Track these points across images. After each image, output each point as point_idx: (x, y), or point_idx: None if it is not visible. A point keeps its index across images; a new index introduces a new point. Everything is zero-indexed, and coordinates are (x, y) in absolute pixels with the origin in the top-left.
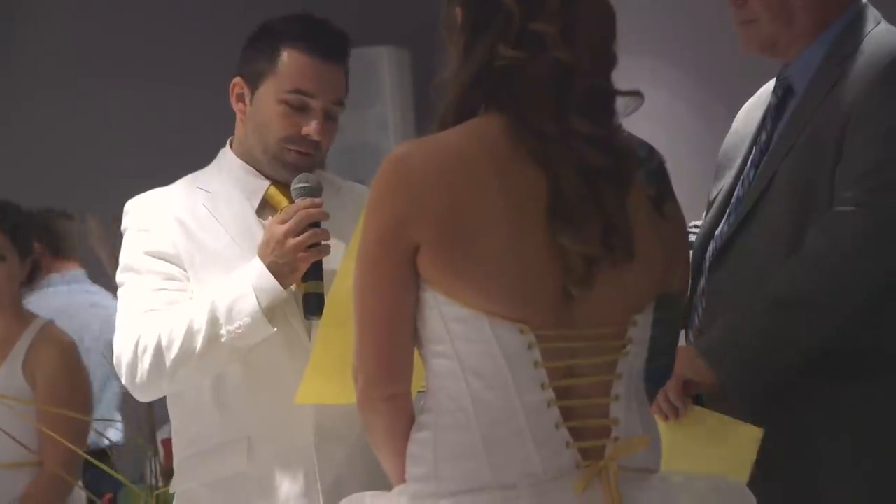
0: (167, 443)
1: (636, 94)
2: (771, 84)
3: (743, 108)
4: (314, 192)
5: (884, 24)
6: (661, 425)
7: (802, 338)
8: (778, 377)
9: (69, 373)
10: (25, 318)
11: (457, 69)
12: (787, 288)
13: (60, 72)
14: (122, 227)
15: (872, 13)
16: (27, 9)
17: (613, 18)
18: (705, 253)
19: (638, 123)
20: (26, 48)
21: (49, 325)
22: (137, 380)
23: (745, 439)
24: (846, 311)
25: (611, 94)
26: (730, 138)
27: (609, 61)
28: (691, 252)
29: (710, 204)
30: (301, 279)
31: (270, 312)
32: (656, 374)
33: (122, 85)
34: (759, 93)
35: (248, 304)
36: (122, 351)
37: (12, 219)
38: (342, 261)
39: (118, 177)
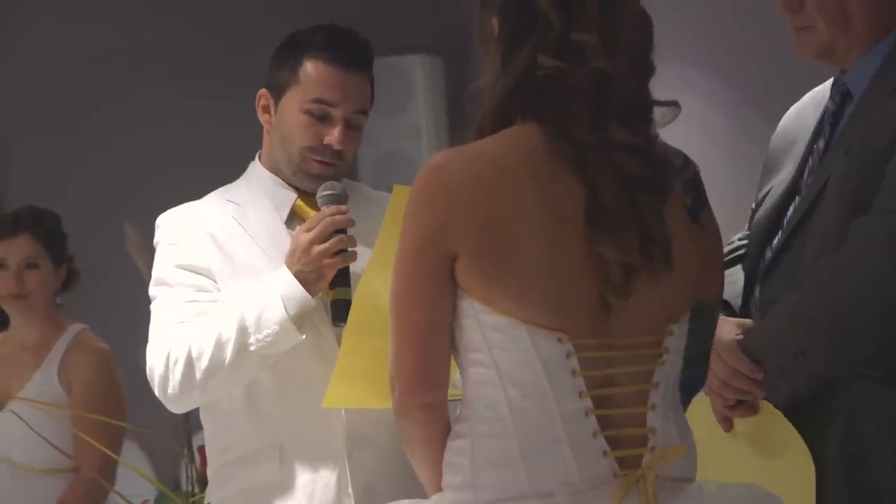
0: (203, 449)
1: (673, 105)
2: (820, 88)
3: (791, 109)
4: (339, 199)
5: None
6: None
7: (835, 345)
8: (818, 380)
9: (104, 379)
10: (60, 324)
11: (495, 78)
12: (819, 295)
13: (98, 79)
14: (155, 241)
15: None
16: (65, 15)
17: (651, 27)
18: (759, 261)
19: (670, 131)
20: (66, 53)
21: (84, 332)
22: (170, 391)
23: (803, 466)
24: (877, 318)
25: (649, 103)
26: (776, 141)
27: (647, 70)
28: (746, 261)
29: (757, 208)
30: (329, 286)
31: (299, 320)
32: (689, 382)
33: (160, 94)
34: (808, 96)
35: (276, 313)
36: (153, 363)
37: (47, 226)
38: (366, 267)
39: (156, 185)
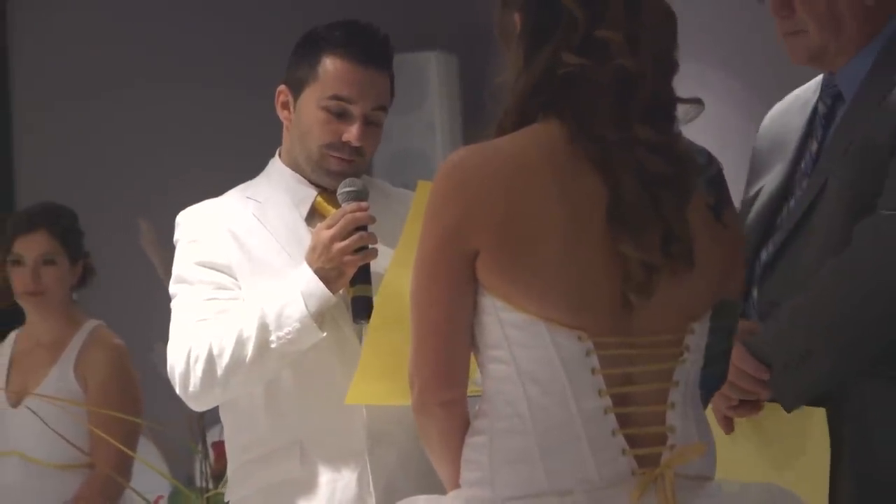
0: (217, 445)
1: (697, 102)
2: (803, 90)
3: (774, 111)
4: (360, 196)
5: None
6: (737, 426)
7: (842, 344)
8: (824, 381)
9: (120, 375)
10: (76, 320)
11: (517, 75)
12: (827, 294)
13: (112, 74)
14: (175, 238)
15: None
16: (78, 12)
17: (675, 24)
18: (755, 262)
19: (686, 129)
20: (79, 49)
21: (99, 328)
22: (191, 389)
23: (812, 423)
24: (885, 317)
25: (672, 101)
26: (762, 142)
27: (671, 68)
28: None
29: (745, 209)
30: (349, 283)
31: (320, 317)
32: (710, 380)
33: (175, 90)
34: (791, 97)
35: (296, 310)
36: (174, 361)
37: (63, 222)
38: (390, 264)
39: (171, 181)
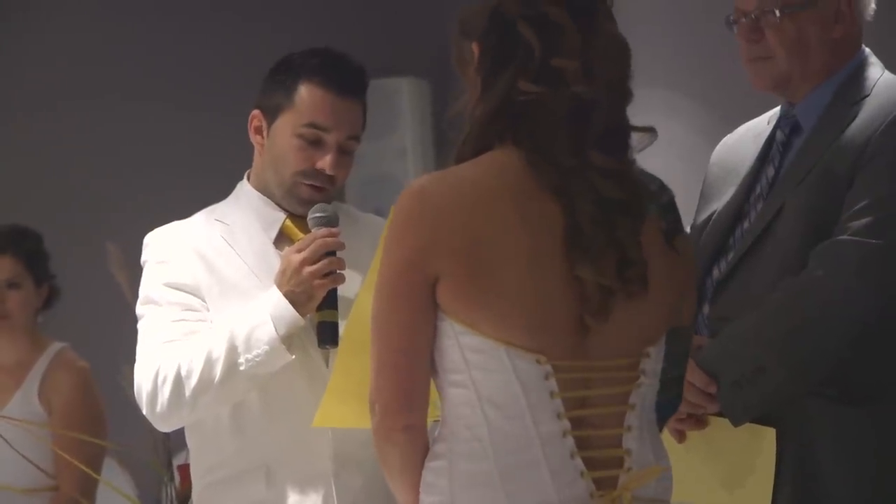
0: (182, 468)
1: (650, 131)
2: (754, 122)
3: (724, 142)
4: (330, 221)
5: (888, 73)
6: (686, 441)
7: (795, 362)
8: (774, 398)
9: (84, 398)
10: (41, 343)
11: (476, 103)
12: (783, 312)
13: (78, 95)
14: (142, 260)
15: (876, 61)
16: (47, 33)
17: (629, 55)
18: (706, 280)
19: (652, 154)
20: (44, 69)
21: (64, 350)
22: (158, 410)
23: (762, 442)
24: (840, 338)
25: (626, 128)
26: (714, 170)
27: (624, 96)
28: None
29: (697, 232)
30: (316, 308)
31: (288, 340)
32: (665, 405)
33: (142, 112)
34: (744, 128)
35: (265, 333)
36: (141, 382)
37: (29, 246)
38: (361, 288)
39: (137, 203)
